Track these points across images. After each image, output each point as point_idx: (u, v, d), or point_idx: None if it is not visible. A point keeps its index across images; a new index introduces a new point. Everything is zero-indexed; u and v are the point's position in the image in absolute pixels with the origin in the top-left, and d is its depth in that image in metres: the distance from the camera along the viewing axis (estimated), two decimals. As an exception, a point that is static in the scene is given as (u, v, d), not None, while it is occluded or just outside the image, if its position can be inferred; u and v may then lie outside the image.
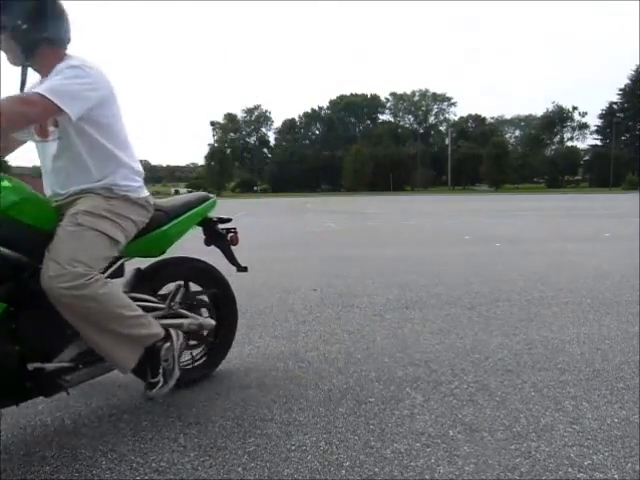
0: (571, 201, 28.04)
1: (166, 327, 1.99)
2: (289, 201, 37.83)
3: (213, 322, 2.33)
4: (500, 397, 2.23)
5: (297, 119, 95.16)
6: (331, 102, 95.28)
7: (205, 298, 2.44)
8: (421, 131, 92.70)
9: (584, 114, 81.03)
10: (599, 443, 1.82)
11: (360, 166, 71.72)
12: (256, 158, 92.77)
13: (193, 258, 2.43)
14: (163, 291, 2.26)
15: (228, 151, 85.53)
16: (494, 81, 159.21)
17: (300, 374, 2.56)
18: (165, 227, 2.11)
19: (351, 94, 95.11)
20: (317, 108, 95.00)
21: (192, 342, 2.31)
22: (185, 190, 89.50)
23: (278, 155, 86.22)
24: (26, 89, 1.82)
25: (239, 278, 5.34)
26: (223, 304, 2.52)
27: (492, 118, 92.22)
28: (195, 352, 2.42)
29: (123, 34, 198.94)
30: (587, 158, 77.50)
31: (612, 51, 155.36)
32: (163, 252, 2.18)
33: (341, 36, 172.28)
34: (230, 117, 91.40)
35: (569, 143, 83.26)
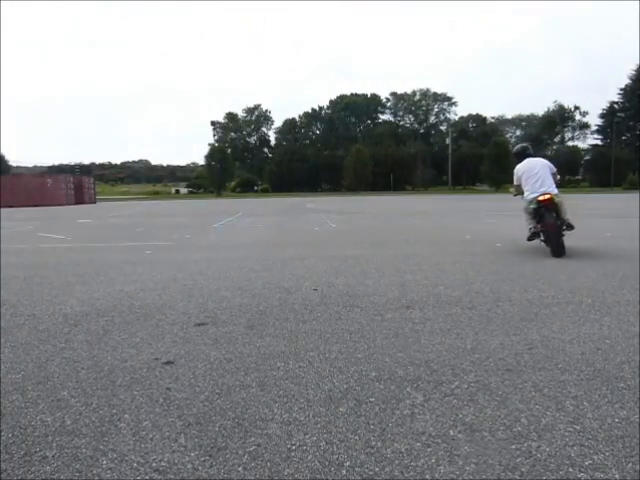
0: (572, 200, 28.01)
1: None
2: (289, 201, 37.83)
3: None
4: (501, 397, 2.23)
5: (297, 119, 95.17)
6: (331, 102, 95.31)
7: None
8: (421, 131, 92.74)
9: (585, 114, 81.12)
10: (600, 443, 1.82)
11: (360, 166, 71.74)
12: (256, 158, 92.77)
13: None
14: None
15: (228, 151, 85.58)
16: (495, 80, 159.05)
17: (300, 374, 2.56)
18: None
19: (351, 94, 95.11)
20: (317, 108, 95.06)
21: None
22: (186, 190, 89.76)
23: (278, 155, 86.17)
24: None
25: (239, 279, 5.35)
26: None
27: (493, 118, 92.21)
28: None
29: (124, 33, 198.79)
30: (588, 158, 77.50)
31: (613, 50, 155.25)
32: None
33: (341, 36, 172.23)
34: (231, 117, 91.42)
35: (570, 143, 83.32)
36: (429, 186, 78.67)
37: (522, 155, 7.10)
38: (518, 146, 7.66)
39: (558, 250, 6.23)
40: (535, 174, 6.52)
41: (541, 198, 6.36)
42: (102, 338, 3.23)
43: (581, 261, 5.98)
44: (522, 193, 6.83)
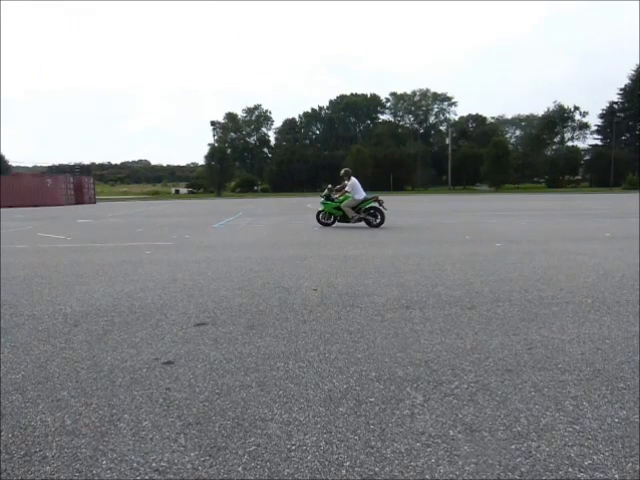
0: (572, 200, 28.03)
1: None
2: (289, 201, 37.82)
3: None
4: (500, 397, 2.23)
5: (297, 119, 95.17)
6: (331, 102, 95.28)
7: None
8: (421, 131, 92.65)
9: (585, 114, 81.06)
10: (599, 443, 1.82)
11: (360, 166, 71.75)
12: (256, 158, 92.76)
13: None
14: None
15: (228, 151, 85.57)
16: (495, 80, 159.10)
17: (300, 374, 2.56)
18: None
19: (351, 94, 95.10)
20: (317, 108, 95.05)
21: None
22: (186, 190, 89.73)
23: (278, 155, 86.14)
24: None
25: (239, 279, 5.35)
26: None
27: (493, 118, 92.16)
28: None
29: (124, 33, 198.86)
30: (587, 158, 77.52)
31: (613, 50, 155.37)
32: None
33: (341, 36, 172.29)
34: (231, 117, 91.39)
35: (569, 143, 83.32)
36: (429, 186, 78.71)
37: (349, 175, 12.11)
38: (345, 169, 12.48)
39: (382, 222, 11.73)
40: (359, 186, 11.86)
41: (376, 198, 11.83)
42: (102, 338, 3.23)
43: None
44: (331, 199, 12.55)
